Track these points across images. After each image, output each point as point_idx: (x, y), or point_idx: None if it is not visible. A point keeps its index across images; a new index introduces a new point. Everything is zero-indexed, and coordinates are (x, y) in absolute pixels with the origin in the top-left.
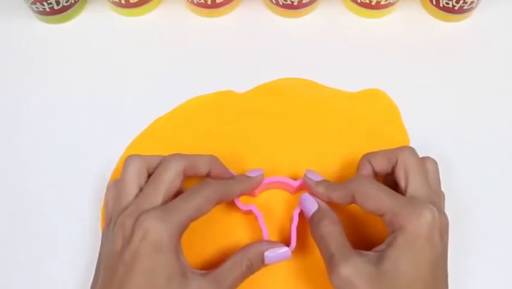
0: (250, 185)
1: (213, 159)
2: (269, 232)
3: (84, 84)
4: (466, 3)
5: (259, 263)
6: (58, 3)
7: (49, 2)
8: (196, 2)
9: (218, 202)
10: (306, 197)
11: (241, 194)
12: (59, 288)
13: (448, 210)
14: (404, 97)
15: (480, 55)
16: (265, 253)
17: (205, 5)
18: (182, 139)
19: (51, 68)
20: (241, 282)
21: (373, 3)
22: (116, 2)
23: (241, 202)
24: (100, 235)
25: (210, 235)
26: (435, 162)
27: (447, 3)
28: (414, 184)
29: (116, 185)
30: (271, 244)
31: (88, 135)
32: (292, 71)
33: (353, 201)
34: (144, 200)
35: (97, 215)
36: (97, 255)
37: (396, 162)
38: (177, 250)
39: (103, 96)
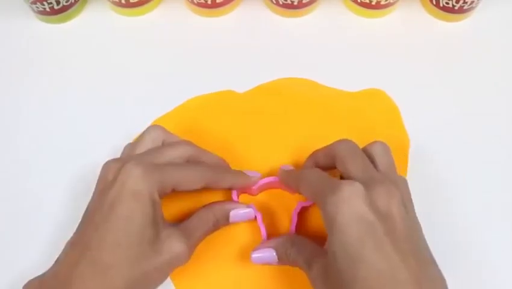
0: (244, 182)
1: (219, 159)
2: (268, 232)
3: (84, 84)
4: (466, 3)
5: (225, 220)
6: (58, 3)
7: (49, 1)
8: (196, 2)
9: (207, 184)
10: (261, 255)
11: (232, 186)
12: None
13: (448, 210)
14: (404, 97)
15: (480, 55)
16: (231, 212)
17: (205, 5)
18: None
19: (51, 68)
20: (207, 236)
21: (373, 3)
22: (116, 1)
23: (241, 202)
24: None
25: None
26: (382, 145)
27: (447, 3)
28: (351, 173)
29: (130, 146)
30: (236, 204)
31: (88, 135)
32: (292, 71)
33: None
34: (142, 155)
35: None
36: None
37: (335, 156)
38: (154, 201)
39: (103, 96)
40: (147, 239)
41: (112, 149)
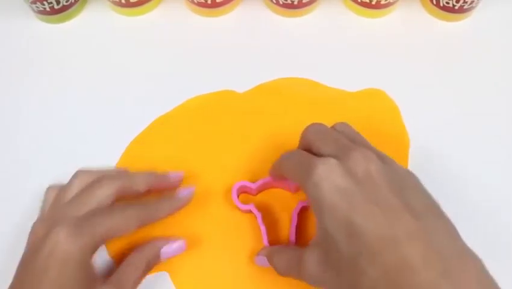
0: (178, 205)
1: (150, 176)
2: (268, 232)
3: (84, 84)
4: (466, 2)
5: (156, 259)
6: (58, 2)
7: (49, 1)
8: (196, 2)
9: (142, 224)
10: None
11: (169, 215)
12: None
13: (448, 210)
14: (404, 97)
15: (480, 55)
16: (162, 250)
17: (205, 5)
18: (182, 139)
19: (51, 68)
20: (142, 280)
21: (373, 3)
22: (116, 1)
23: (240, 201)
24: None
25: (209, 234)
26: (343, 123)
27: (448, 3)
28: (326, 152)
29: (59, 188)
30: (166, 239)
31: (88, 135)
32: (292, 71)
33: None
34: (67, 210)
35: None
36: (94, 254)
37: (308, 143)
38: (86, 264)
39: (103, 95)
40: None
41: (112, 148)
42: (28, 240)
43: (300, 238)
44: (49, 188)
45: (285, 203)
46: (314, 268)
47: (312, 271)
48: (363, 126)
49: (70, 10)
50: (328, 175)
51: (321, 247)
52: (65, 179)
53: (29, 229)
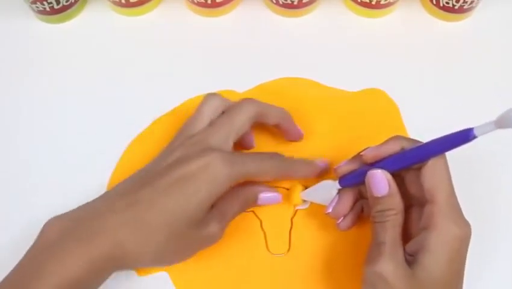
0: (313, 171)
1: (284, 113)
2: (268, 234)
3: (84, 84)
4: (466, 2)
5: (254, 201)
6: (58, 2)
7: (49, 1)
8: (196, 2)
9: (278, 177)
10: (379, 176)
11: (303, 177)
12: None
13: None
14: (404, 97)
15: (480, 55)
16: (260, 194)
17: (205, 5)
18: None
19: (51, 68)
20: (238, 214)
21: (373, 3)
22: (116, 1)
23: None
24: None
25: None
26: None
27: (447, 3)
28: (445, 196)
29: (190, 117)
30: (266, 187)
31: (88, 135)
32: (292, 71)
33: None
34: (212, 135)
35: None
36: None
37: (426, 163)
38: (222, 191)
39: (103, 95)
40: (195, 221)
41: (112, 148)
42: (173, 152)
43: (297, 242)
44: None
45: (284, 203)
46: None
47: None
48: (363, 126)
49: (70, 10)
50: (464, 239)
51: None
52: (65, 178)
53: (29, 229)
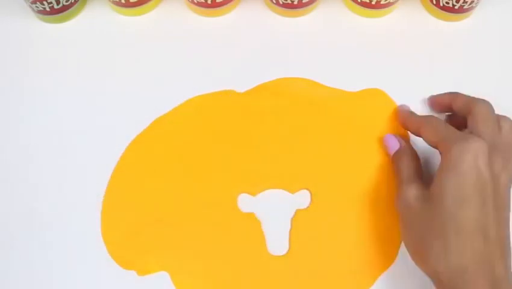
0: None
1: None
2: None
3: (84, 84)
4: (466, 2)
5: None
6: (58, 2)
7: (49, 1)
8: (196, 2)
9: None
10: (390, 137)
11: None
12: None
13: None
14: (404, 97)
15: (480, 55)
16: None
17: (205, 5)
18: (182, 139)
19: (51, 68)
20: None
21: (373, 3)
22: (116, 1)
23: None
24: (99, 235)
25: (209, 235)
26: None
27: (447, 3)
28: (480, 133)
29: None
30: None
31: (88, 135)
32: (292, 71)
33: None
34: None
35: (97, 214)
36: (94, 254)
37: (471, 111)
38: None
39: (103, 95)
40: None
41: (112, 148)
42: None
43: (297, 242)
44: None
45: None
46: (412, 201)
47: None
48: (363, 126)
49: (70, 10)
50: (477, 152)
51: (426, 192)
52: (65, 178)
53: (27, 229)
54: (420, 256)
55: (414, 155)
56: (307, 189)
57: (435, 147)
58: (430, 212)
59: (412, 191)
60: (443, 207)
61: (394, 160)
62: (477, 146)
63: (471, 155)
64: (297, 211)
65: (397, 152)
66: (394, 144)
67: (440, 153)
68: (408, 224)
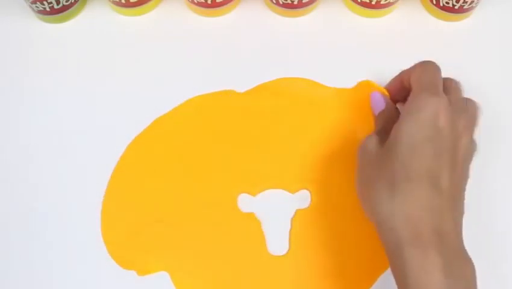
0: None
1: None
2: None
3: (84, 84)
4: (466, 2)
5: None
6: (58, 2)
7: (49, 1)
8: (196, 2)
9: None
10: (377, 96)
11: None
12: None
13: None
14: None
15: (481, 55)
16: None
17: (205, 5)
18: (182, 139)
19: (51, 68)
20: None
21: (373, 3)
22: (116, 1)
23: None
24: (99, 235)
25: (209, 235)
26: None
27: (447, 3)
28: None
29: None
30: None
31: (88, 135)
32: (292, 71)
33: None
34: None
35: (97, 214)
36: (94, 254)
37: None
38: None
39: (103, 95)
40: None
41: (112, 148)
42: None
43: (297, 242)
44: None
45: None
46: (371, 146)
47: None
48: (363, 125)
49: (70, 10)
50: (441, 105)
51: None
52: (64, 178)
53: (26, 229)
54: (366, 200)
55: (397, 114)
56: (307, 189)
57: (410, 88)
58: (384, 156)
59: (374, 138)
60: (395, 152)
61: (377, 120)
62: (443, 101)
63: (434, 107)
64: (297, 211)
65: (381, 112)
66: (380, 105)
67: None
68: (361, 168)
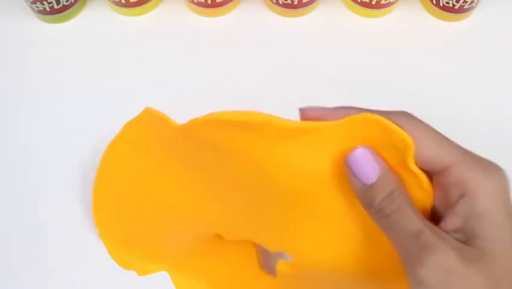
0: None
1: None
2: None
3: (84, 84)
4: (466, 2)
5: None
6: (58, 2)
7: (49, 1)
8: (196, 2)
9: None
10: (363, 157)
11: None
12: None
13: None
14: (404, 97)
15: (481, 55)
16: None
17: (205, 5)
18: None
19: (51, 68)
20: None
21: (373, 3)
22: (116, 1)
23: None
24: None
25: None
26: None
27: (448, 3)
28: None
29: None
30: None
31: (88, 135)
32: (292, 71)
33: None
34: None
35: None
36: (94, 254)
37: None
38: None
39: (102, 95)
40: None
41: None
42: None
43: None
44: None
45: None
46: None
47: None
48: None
49: (70, 10)
50: (506, 188)
51: None
52: (65, 178)
53: (26, 228)
54: None
55: (402, 188)
56: None
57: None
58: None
59: (453, 252)
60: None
61: (377, 200)
62: (506, 182)
63: (504, 197)
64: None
65: (380, 184)
66: (371, 170)
67: (453, 183)
68: None
